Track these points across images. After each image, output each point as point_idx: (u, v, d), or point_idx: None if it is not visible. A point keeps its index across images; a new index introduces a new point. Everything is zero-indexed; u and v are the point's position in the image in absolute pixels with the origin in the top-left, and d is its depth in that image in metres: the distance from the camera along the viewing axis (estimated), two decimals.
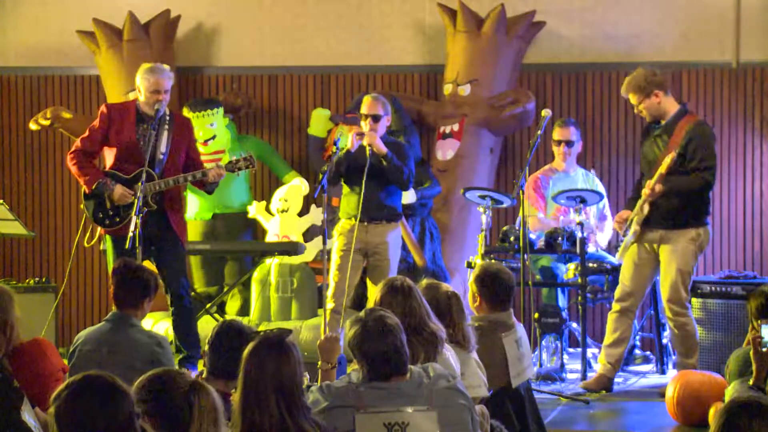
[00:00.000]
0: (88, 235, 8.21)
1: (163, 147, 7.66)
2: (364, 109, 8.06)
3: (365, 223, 8.05)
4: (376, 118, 7.99)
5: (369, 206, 8.00)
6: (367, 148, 7.90)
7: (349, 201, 8.15)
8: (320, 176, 7.93)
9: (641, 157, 8.14)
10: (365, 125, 8.00)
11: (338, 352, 5.01)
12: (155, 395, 3.72)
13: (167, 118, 7.73)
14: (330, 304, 8.02)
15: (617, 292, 8.04)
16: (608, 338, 8.02)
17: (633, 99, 7.96)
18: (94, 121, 7.89)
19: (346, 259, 8.04)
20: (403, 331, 4.31)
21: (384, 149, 7.90)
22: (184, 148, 7.75)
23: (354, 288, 8.28)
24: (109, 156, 7.87)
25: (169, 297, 7.86)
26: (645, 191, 7.79)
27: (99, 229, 7.95)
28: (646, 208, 7.83)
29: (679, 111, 7.95)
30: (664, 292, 7.90)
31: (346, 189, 8.21)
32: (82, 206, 7.92)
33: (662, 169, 7.71)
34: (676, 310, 7.83)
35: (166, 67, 7.93)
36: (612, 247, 8.81)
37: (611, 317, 8.04)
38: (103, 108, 7.90)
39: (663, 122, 7.94)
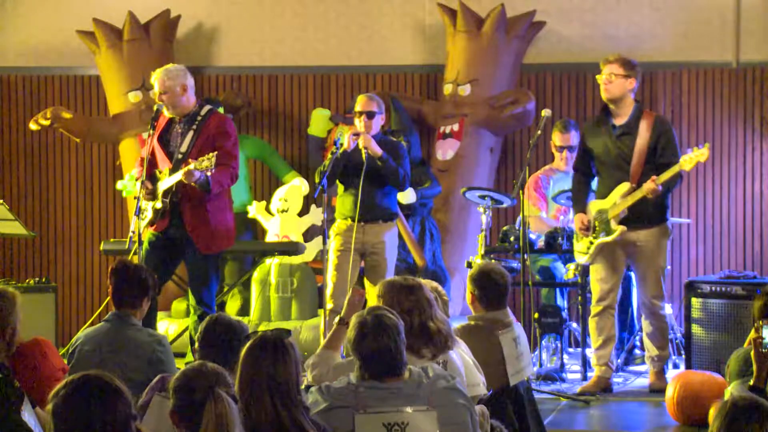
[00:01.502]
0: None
1: (184, 147, 7.47)
2: (358, 107, 8.09)
3: (362, 223, 8.06)
4: (370, 115, 8.02)
5: (365, 206, 8.00)
6: (363, 151, 7.91)
7: (344, 201, 8.15)
8: (317, 176, 7.93)
9: (599, 157, 7.90)
10: (359, 123, 8.03)
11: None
12: (179, 391, 3.75)
13: (199, 118, 7.55)
14: (329, 305, 8.01)
15: (596, 293, 7.95)
16: (596, 342, 7.98)
17: (616, 69, 7.78)
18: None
19: (344, 259, 8.05)
20: (403, 331, 4.29)
21: (379, 151, 7.90)
22: (209, 148, 7.35)
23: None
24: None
25: (194, 309, 7.58)
26: (647, 187, 7.58)
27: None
28: (627, 208, 7.77)
29: (637, 108, 7.87)
30: (648, 289, 7.85)
31: (340, 189, 8.21)
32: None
33: (687, 166, 7.57)
34: (658, 305, 7.87)
35: (173, 66, 7.70)
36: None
37: (594, 320, 7.96)
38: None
39: (620, 121, 7.82)
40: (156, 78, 7.56)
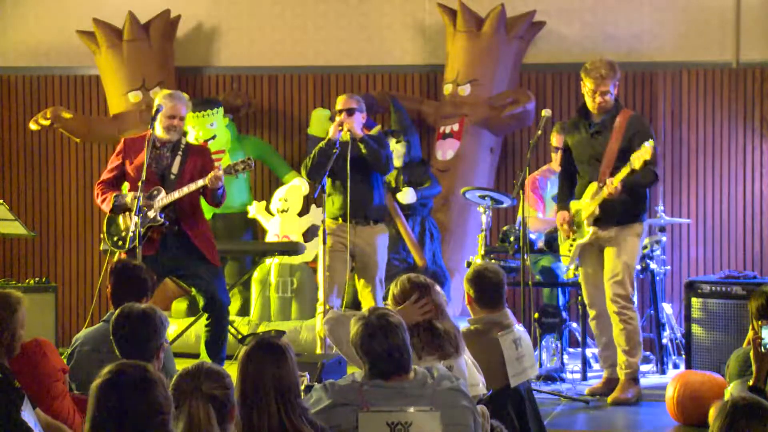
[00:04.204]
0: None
1: (174, 169, 7.63)
2: (339, 106, 8.23)
3: (353, 224, 8.09)
4: (350, 112, 8.14)
5: (355, 206, 8.05)
6: (349, 144, 7.99)
7: (333, 200, 8.18)
8: (302, 171, 8.02)
9: (576, 154, 7.80)
10: (339, 119, 8.13)
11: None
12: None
13: (182, 146, 7.71)
14: (320, 309, 7.95)
15: (587, 298, 7.89)
16: (599, 344, 7.94)
17: (608, 84, 7.60)
18: (113, 156, 7.89)
19: (335, 258, 8.06)
20: (407, 329, 4.30)
21: (360, 133, 8.05)
22: (197, 174, 7.61)
23: (346, 289, 8.28)
24: (127, 186, 7.91)
25: (207, 316, 7.61)
26: (607, 190, 7.47)
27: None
28: (598, 208, 7.70)
29: (614, 106, 7.72)
30: (611, 287, 7.67)
31: (328, 188, 8.22)
32: (103, 235, 7.90)
33: (636, 164, 7.35)
34: (623, 304, 7.65)
35: (185, 95, 7.87)
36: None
37: (593, 324, 7.91)
38: (120, 144, 7.87)
39: (597, 119, 7.70)
40: (175, 101, 7.61)
